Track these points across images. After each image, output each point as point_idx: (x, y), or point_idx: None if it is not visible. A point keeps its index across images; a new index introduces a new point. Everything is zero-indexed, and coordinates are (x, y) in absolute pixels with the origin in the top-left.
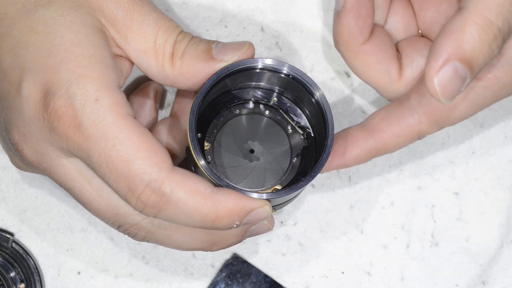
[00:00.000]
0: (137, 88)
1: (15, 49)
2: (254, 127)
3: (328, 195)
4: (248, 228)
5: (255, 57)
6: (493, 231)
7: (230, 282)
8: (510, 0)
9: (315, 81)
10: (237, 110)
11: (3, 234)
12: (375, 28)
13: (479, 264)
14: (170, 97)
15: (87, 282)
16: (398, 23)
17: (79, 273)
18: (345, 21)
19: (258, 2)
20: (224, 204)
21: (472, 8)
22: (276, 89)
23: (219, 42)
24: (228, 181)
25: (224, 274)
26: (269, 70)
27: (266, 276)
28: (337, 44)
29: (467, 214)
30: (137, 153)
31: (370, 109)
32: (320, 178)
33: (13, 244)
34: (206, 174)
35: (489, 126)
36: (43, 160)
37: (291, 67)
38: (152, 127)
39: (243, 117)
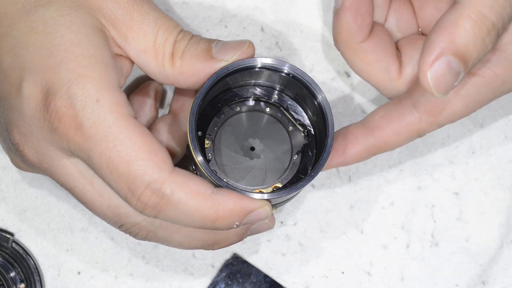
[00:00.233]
0: (138, 87)
1: (15, 49)
2: (254, 125)
3: (328, 195)
4: (249, 227)
5: (255, 56)
6: (493, 231)
7: (230, 282)
8: None
9: (316, 81)
10: (238, 108)
11: (3, 234)
12: (374, 27)
13: (479, 264)
14: (170, 96)
15: (87, 282)
16: (398, 22)
17: (79, 273)
18: (344, 19)
19: (258, 2)
20: (224, 205)
21: (466, 3)
22: (277, 86)
23: (219, 41)
24: (228, 182)
25: (224, 274)
26: (269, 69)
27: (266, 276)
28: (336, 43)
29: (467, 214)
30: (137, 154)
31: (370, 109)
32: (320, 178)
33: (13, 244)
34: (206, 174)
35: (489, 126)
36: (44, 160)
37: (292, 67)
38: (151, 125)
39: (244, 115)
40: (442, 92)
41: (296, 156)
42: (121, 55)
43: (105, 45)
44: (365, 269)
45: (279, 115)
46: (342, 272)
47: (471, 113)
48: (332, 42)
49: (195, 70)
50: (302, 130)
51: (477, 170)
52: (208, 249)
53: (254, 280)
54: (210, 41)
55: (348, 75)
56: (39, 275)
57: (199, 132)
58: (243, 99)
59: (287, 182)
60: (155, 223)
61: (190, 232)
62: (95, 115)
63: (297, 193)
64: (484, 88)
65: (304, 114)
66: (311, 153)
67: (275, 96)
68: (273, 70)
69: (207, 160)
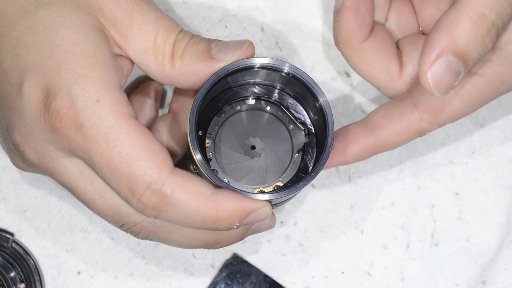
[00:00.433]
0: (138, 87)
1: (16, 49)
2: (255, 124)
3: (328, 195)
4: (249, 227)
5: (255, 56)
6: (493, 231)
7: (230, 282)
8: None
9: (316, 81)
10: (238, 107)
11: (3, 234)
12: (375, 26)
13: (479, 264)
14: (170, 96)
15: (87, 282)
16: (398, 21)
17: (79, 273)
18: (344, 19)
19: (258, 2)
20: (224, 205)
21: (465, 2)
22: (277, 85)
23: (219, 41)
24: (228, 181)
25: (224, 274)
26: (269, 69)
27: (266, 276)
28: (337, 42)
29: (467, 214)
30: (138, 154)
31: (370, 108)
32: (320, 178)
33: (13, 244)
34: (206, 175)
35: (489, 126)
36: (45, 161)
37: (292, 67)
38: (151, 125)
39: (244, 114)
40: (442, 92)
41: (296, 154)
42: (121, 55)
43: (105, 45)
44: (365, 269)
45: (280, 113)
46: (342, 272)
47: (471, 112)
48: (332, 42)
49: (195, 70)
50: (303, 128)
51: (477, 170)
52: (209, 249)
53: (254, 280)
54: (210, 41)
55: (348, 75)
56: (39, 275)
57: (200, 132)
58: (243, 98)
59: (288, 181)
60: (156, 223)
61: (190, 232)
62: (95, 115)
63: (297, 193)
64: (484, 87)
65: (304, 112)
66: (312, 151)
67: (276, 95)
68: (273, 70)
69: (207, 160)
